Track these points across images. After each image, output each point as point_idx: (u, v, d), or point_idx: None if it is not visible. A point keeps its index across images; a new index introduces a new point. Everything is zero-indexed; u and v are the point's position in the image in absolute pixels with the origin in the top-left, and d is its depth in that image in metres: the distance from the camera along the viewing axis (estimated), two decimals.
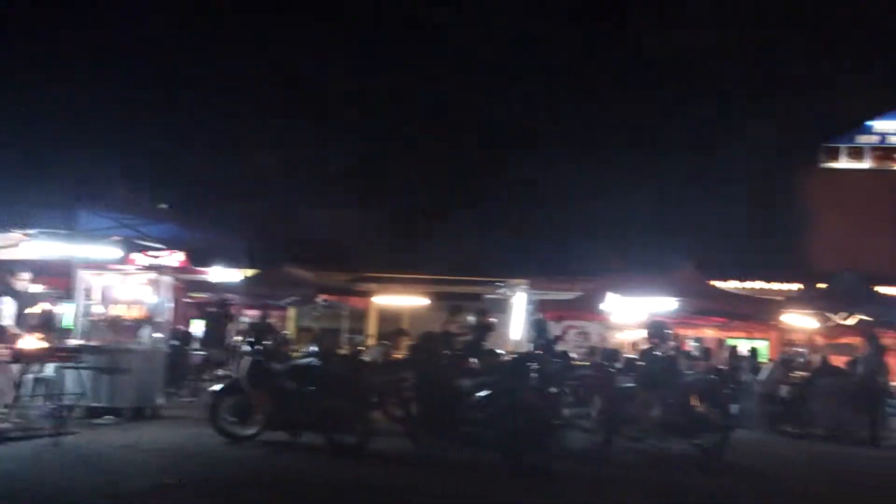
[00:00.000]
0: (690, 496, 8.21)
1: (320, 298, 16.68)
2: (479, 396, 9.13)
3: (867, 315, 15.48)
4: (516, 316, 17.08)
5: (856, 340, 16.39)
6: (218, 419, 9.67)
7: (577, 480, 8.56)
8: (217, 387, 10.27)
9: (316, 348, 12.10)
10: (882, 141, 22.99)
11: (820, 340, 17.53)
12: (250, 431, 9.63)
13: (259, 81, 27.64)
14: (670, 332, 12.93)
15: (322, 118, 26.87)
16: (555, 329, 16.37)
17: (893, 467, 11.29)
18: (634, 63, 29.17)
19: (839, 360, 15.40)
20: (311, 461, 8.99)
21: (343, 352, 13.53)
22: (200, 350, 14.73)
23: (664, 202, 24.91)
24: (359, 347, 12.74)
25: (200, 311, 15.23)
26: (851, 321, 15.80)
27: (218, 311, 14.98)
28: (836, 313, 15.87)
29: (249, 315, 16.25)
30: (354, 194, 23.25)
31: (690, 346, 17.34)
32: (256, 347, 10.02)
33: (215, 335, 14.46)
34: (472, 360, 11.00)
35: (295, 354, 13.36)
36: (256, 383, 9.71)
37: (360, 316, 18.32)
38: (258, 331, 10.87)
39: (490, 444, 8.88)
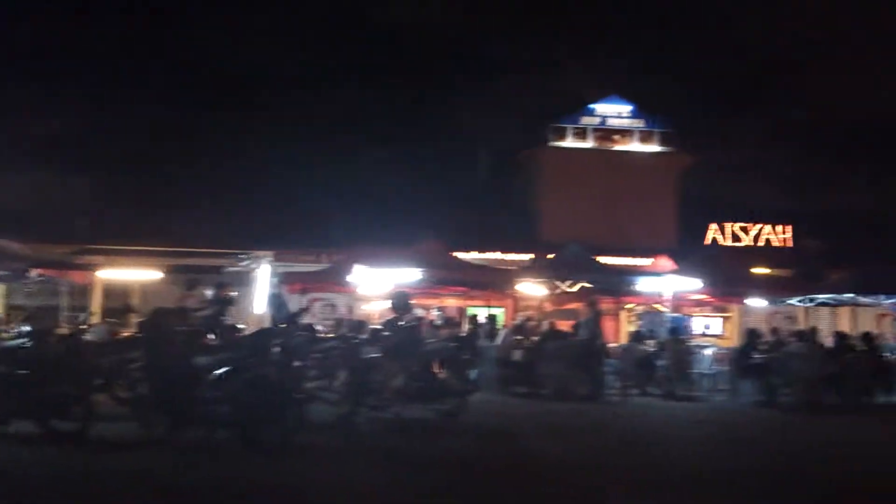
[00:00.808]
0: (431, 460, 8.37)
1: (34, 273, 14.90)
2: (217, 374, 8.62)
3: (589, 283, 16.95)
4: (260, 289, 16.55)
5: (578, 306, 17.89)
6: None
7: (318, 453, 8.41)
8: None
9: (29, 328, 10.95)
10: (602, 123, 25.16)
11: (549, 307, 18.89)
12: None
13: None
14: (414, 302, 13.20)
15: (36, 74, 24.07)
16: (301, 301, 16.06)
17: (608, 418, 12.40)
18: (375, 45, 29.39)
19: (565, 325, 16.67)
20: (23, 452, 8.06)
21: (62, 331, 12.22)
22: None
23: (409, 178, 25.45)
24: (81, 326, 11.53)
25: None
26: (575, 288, 17.22)
27: None
28: (562, 281, 17.22)
29: None
30: (76, 160, 21.08)
31: (433, 315, 17.93)
32: None
33: None
34: (210, 335, 10.44)
35: (4, 336, 11.97)
36: None
37: (82, 292, 16.62)
38: None
39: (227, 423, 8.44)
